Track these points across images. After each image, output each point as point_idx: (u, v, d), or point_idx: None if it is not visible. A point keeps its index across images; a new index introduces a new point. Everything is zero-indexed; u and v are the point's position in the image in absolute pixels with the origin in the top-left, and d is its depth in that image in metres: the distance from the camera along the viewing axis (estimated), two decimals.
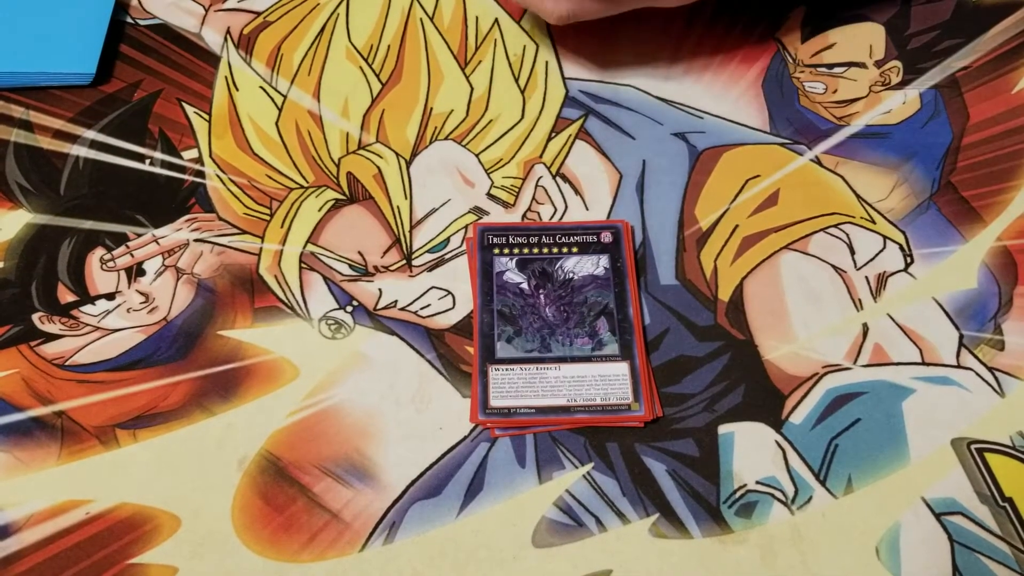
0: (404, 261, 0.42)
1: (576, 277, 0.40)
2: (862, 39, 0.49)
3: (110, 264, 0.41)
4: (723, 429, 0.37)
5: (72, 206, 0.43)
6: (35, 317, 0.40)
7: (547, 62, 0.48)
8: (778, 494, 0.36)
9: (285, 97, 0.47)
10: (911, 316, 0.40)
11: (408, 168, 0.44)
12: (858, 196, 0.44)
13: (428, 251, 0.42)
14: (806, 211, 0.43)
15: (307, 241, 0.42)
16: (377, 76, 0.47)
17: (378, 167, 0.44)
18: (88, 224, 0.42)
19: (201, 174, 0.44)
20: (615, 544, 0.35)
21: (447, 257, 0.42)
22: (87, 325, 0.39)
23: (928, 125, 0.46)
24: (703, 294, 0.41)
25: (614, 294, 0.40)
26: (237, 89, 0.47)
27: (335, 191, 0.44)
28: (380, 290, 0.41)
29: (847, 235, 0.43)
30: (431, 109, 0.46)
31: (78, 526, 0.35)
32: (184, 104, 0.46)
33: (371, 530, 0.35)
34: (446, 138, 0.45)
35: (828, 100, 0.47)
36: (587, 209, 0.43)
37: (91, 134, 0.45)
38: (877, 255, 0.42)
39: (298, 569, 0.34)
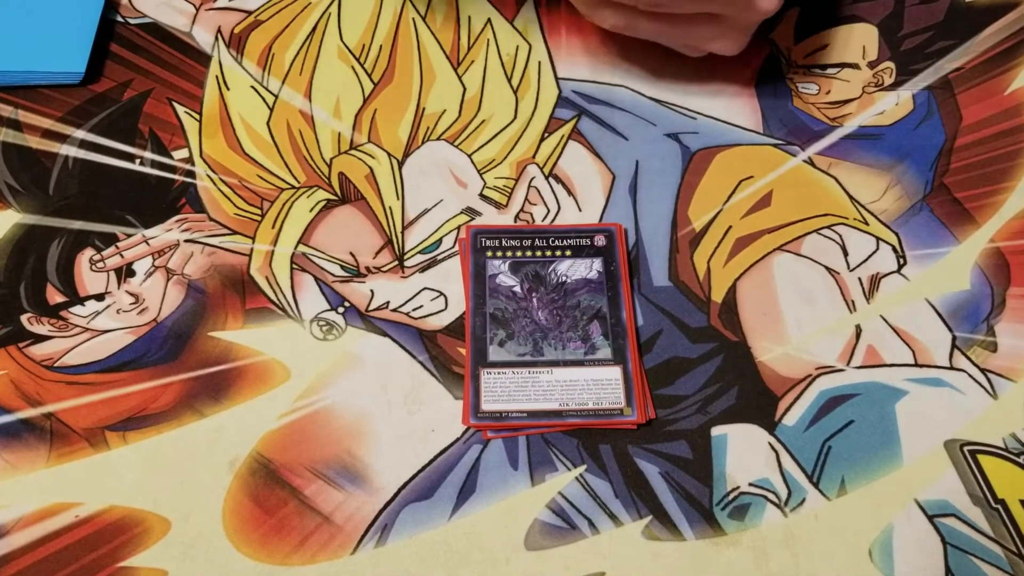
0: (396, 262, 0.41)
1: (569, 281, 0.40)
2: (855, 40, 0.49)
3: (100, 265, 0.41)
4: (716, 431, 0.37)
5: (61, 206, 0.42)
6: (24, 318, 0.39)
7: (540, 62, 0.48)
8: (771, 496, 0.36)
9: (276, 97, 0.46)
10: (904, 318, 0.40)
11: (400, 168, 0.44)
12: (851, 197, 0.44)
13: (420, 252, 0.42)
14: (799, 212, 0.43)
15: (298, 242, 0.42)
16: (369, 76, 0.47)
17: (370, 167, 0.44)
18: (77, 224, 0.42)
19: (192, 174, 0.44)
20: (608, 546, 0.35)
21: (439, 258, 0.42)
22: (76, 326, 0.39)
23: (921, 126, 0.46)
24: (696, 295, 0.41)
25: (607, 298, 0.40)
26: (228, 89, 0.47)
27: (327, 191, 0.43)
28: (372, 291, 0.41)
29: (840, 236, 0.43)
30: (423, 109, 0.46)
31: (67, 529, 0.35)
32: (175, 104, 0.46)
33: (363, 532, 0.35)
34: (438, 138, 0.45)
35: (821, 101, 0.47)
36: (580, 210, 0.43)
37: (81, 134, 0.45)
38: (870, 256, 0.42)
39: (289, 572, 0.34)
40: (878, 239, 0.43)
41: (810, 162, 0.45)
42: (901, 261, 0.42)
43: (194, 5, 0.50)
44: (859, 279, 0.41)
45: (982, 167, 0.45)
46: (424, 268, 0.41)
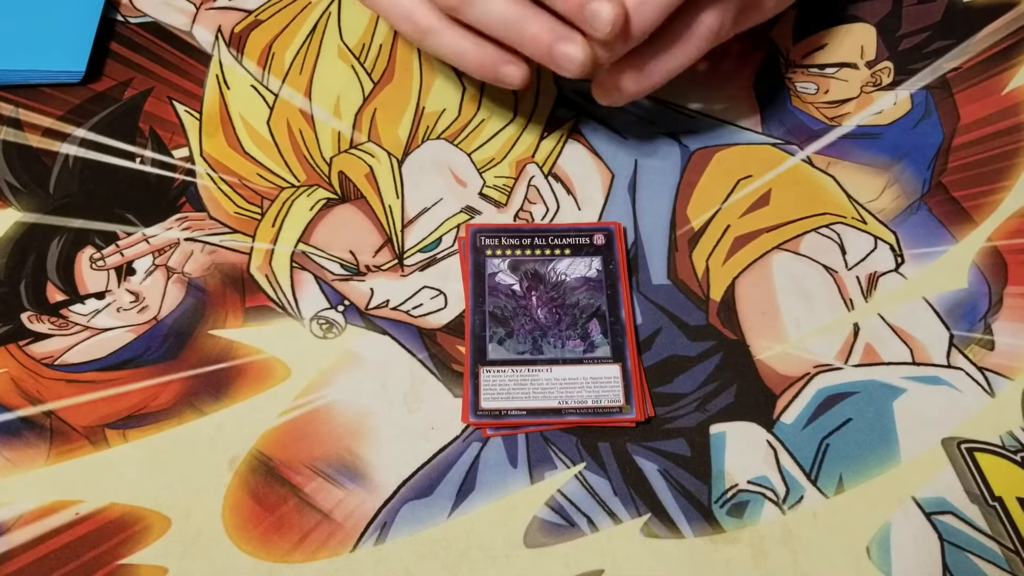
0: (396, 260, 0.42)
1: (568, 279, 0.40)
2: (854, 40, 0.49)
3: (100, 263, 0.41)
4: (715, 429, 0.37)
5: (62, 205, 0.43)
6: (24, 316, 0.39)
7: None
8: (769, 494, 0.36)
9: (276, 96, 0.47)
10: (902, 316, 0.40)
11: (400, 167, 0.44)
12: (849, 196, 0.44)
13: (420, 250, 0.42)
14: (797, 211, 0.43)
15: (298, 240, 0.42)
16: (369, 75, 0.47)
17: (370, 166, 0.44)
18: (78, 223, 0.42)
19: (192, 173, 0.44)
20: (607, 544, 0.35)
21: (439, 256, 0.42)
22: (76, 324, 0.39)
23: (919, 126, 0.46)
24: (695, 294, 0.41)
25: (606, 296, 0.40)
26: (228, 88, 0.47)
27: (327, 190, 0.43)
28: (372, 289, 0.41)
29: (838, 235, 0.43)
30: (423, 108, 0.46)
31: (67, 527, 0.35)
32: (175, 103, 0.46)
33: (362, 530, 0.35)
34: (438, 137, 0.45)
35: (820, 100, 0.47)
36: (579, 209, 0.43)
37: (81, 132, 0.45)
38: (868, 255, 0.42)
39: (289, 569, 0.34)
40: (876, 238, 0.43)
41: (808, 161, 0.45)
42: (899, 260, 0.42)
43: (194, 4, 0.50)
44: (857, 278, 0.41)
45: (980, 166, 0.45)
46: (424, 266, 0.41)
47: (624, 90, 0.39)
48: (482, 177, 0.44)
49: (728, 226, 0.43)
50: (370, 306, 0.40)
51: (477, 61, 0.37)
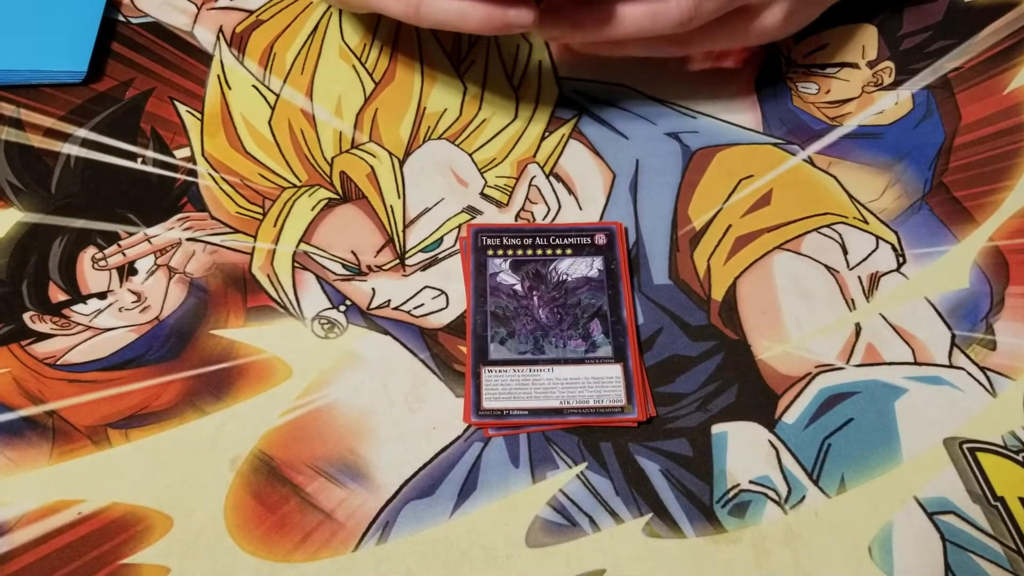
0: (397, 260, 0.42)
1: (570, 279, 0.40)
2: (855, 40, 0.49)
3: (102, 263, 0.41)
4: (716, 429, 0.37)
5: (63, 205, 0.43)
6: (26, 316, 0.39)
7: (540, 62, 0.48)
8: (771, 493, 0.36)
9: (278, 96, 0.47)
10: (903, 316, 0.40)
11: (401, 167, 0.44)
12: (851, 196, 0.44)
13: (421, 250, 0.42)
14: (799, 211, 0.43)
15: (300, 240, 0.42)
16: (370, 75, 0.47)
17: (371, 166, 0.44)
18: (79, 223, 0.42)
19: (193, 173, 0.44)
20: (608, 543, 0.35)
21: (440, 256, 0.42)
22: (78, 324, 0.39)
23: (920, 126, 0.46)
24: (696, 294, 0.41)
25: (608, 296, 0.40)
26: (230, 88, 0.47)
27: (328, 190, 0.43)
28: (373, 289, 0.41)
29: (840, 235, 0.43)
30: (424, 108, 0.46)
31: (69, 526, 0.35)
32: (176, 103, 0.46)
33: (364, 530, 0.35)
34: (439, 137, 0.45)
35: (821, 100, 0.47)
36: (580, 209, 0.43)
37: (83, 132, 0.45)
38: (870, 255, 0.42)
39: (291, 569, 0.34)
40: (878, 238, 0.43)
41: (810, 161, 0.45)
42: (900, 260, 0.42)
43: (196, 4, 0.50)
44: (859, 278, 0.41)
45: (981, 166, 0.45)
46: (425, 266, 0.41)
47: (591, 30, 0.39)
48: (483, 177, 0.44)
49: (729, 226, 0.43)
50: (372, 306, 0.40)
51: (482, 15, 0.36)
